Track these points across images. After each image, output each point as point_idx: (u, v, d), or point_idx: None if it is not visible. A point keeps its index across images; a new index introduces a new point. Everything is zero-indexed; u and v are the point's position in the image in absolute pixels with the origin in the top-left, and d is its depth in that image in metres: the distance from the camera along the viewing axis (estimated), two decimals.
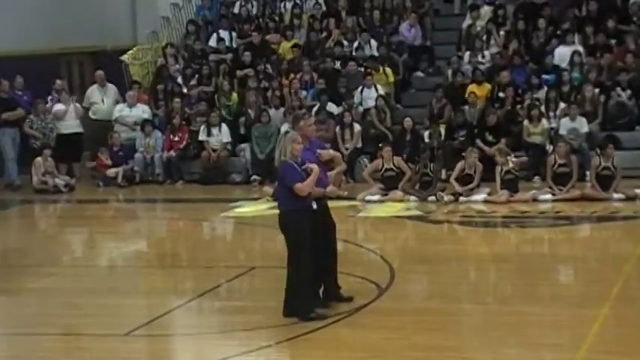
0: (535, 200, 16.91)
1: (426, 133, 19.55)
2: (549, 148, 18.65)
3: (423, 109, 20.64)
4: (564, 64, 20.66)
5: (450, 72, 21.36)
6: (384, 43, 22.44)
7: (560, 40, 21.23)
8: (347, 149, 19.73)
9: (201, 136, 20.70)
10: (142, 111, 21.54)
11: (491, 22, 22.19)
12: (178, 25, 24.92)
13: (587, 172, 17.55)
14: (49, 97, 21.61)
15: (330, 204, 10.76)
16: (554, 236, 14.84)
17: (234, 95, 21.69)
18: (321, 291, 10.56)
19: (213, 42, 23.58)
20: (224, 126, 20.68)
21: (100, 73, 22.12)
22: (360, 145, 20.02)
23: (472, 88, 20.51)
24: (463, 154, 17.81)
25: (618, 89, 19.73)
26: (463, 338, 9.85)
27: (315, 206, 10.17)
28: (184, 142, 20.86)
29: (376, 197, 17.53)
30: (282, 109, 20.86)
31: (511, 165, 17.23)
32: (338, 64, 21.95)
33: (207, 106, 21.37)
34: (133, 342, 9.98)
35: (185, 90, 22.28)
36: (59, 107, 21.16)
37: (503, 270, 12.67)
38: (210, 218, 17.07)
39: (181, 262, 14.32)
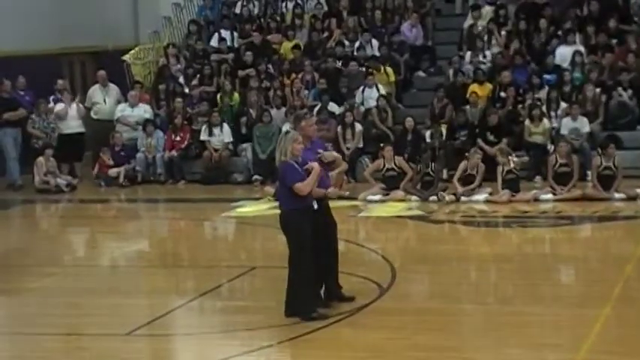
0: (536, 200, 16.91)
1: (428, 133, 19.55)
2: (550, 147, 18.64)
3: (425, 108, 20.64)
4: (566, 64, 20.66)
5: (451, 72, 21.36)
6: (385, 43, 22.44)
7: (561, 40, 21.22)
8: (348, 149, 19.74)
9: (203, 136, 20.70)
10: (144, 111, 21.54)
11: (492, 22, 22.19)
12: (180, 25, 24.93)
13: (589, 172, 17.55)
14: (51, 97, 21.61)
15: (332, 204, 10.77)
16: (555, 236, 14.84)
17: (236, 95, 21.70)
18: (322, 291, 10.57)
19: (214, 42, 23.59)
20: (225, 126, 20.69)
21: (101, 73, 22.12)
22: (361, 144, 20.03)
23: (473, 87, 20.52)
24: (467, 154, 17.80)
25: (619, 89, 19.73)
26: (464, 338, 9.85)
27: (315, 206, 10.18)
28: (186, 142, 20.86)
29: (377, 197, 17.53)
30: (283, 109, 20.86)
31: (512, 165, 17.24)
32: (339, 64, 21.95)
33: (209, 106, 21.39)
34: (134, 342, 9.99)
35: (187, 90, 22.28)
36: (61, 107, 21.17)
37: (504, 270, 12.67)
38: (212, 218, 17.08)
39: (183, 261, 14.33)
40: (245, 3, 24.73)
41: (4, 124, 20.60)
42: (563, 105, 19.58)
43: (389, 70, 21.45)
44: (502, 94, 20.25)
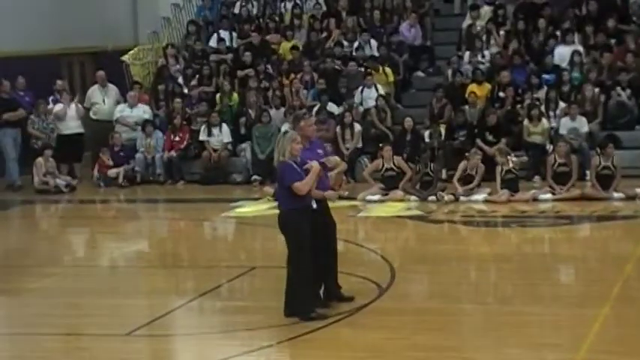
0: (535, 200, 16.92)
1: (427, 133, 19.56)
2: (549, 147, 18.65)
3: (424, 109, 20.65)
4: (564, 64, 20.67)
5: (450, 72, 21.36)
6: (384, 43, 22.45)
7: (560, 40, 21.23)
8: (347, 149, 19.76)
9: (202, 136, 20.71)
10: (143, 111, 21.55)
11: (491, 22, 22.20)
12: (179, 25, 24.93)
13: (588, 172, 17.56)
14: (50, 98, 21.61)
15: (331, 204, 10.77)
16: (554, 236, 14.85)
17: (235, 95, 21.71)
18: (321, 291, 10.57)
19: (213, 42, 23.59)
20: (225, 126, 20.69)
21: (101, 73, 22.12)
22: (360, 145, 20.03)
23: (472, 87, 20.52)
24: (467, 154, 17.80)
25: (618, 89, 19.73)
26: (464, 338, 9.86)
27: (314, 206, 10.18)
28: (185, 143, 20.87)
29: (377, 197, 17.54)
30: (282, 109, 20.87)
31: (511, 165, 17.25)
32: (338, 64, 21.96)
33: (208, 106, 21.39)
34: (134, 342, 10.00)
35: (186, 90, 22.29)
36: (60, 108, 21.18)
37: (503, 270, 12.68)
38: (211, 218, 17.08)
39: (182, 262, 14.34)
40: (244, 3, 24.74)
41: (4, 125, 20.59)
42: (562, 105, 19.59)
43: (387, 70, 21.46)
44: (501, 94, 20.26)
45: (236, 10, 24.76)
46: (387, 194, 17.59)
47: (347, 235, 13.98)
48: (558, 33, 21.45)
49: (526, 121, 19.23)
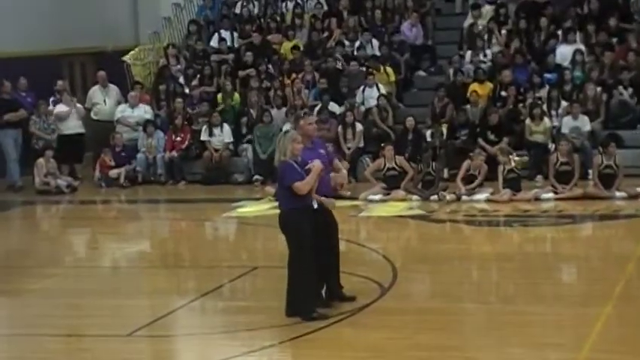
0: (537, 199, 16.89)
1: (428, 133, 19.55)
2: (551, 146, 18.62)
3: (425, 108, 20.63)
4: (566, 63, 20.66)
5: (451, 71, 21.35)
6: (385, 42, 22.44)
7: (562, 39, 21.21)
8: (349, 149, 19.75)
9: (203, 137, 20.69)
10: (144, 111, 21.53)
11: (492, 21, 22.18)
12: (180, 25, 24.92)
13: (590, 171, 17.53)
14: (51, 99, 21.59)
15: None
16: (556, 235, 14.83)
17: (236, 95, 21.69)
18: (323, 291, 10.55)
19: (214, 42, 23.58)
20: (226, 126, 20.67)
21: (101, 73, 22.10)
22: (362, 144, 20.02)
23: (474, 87, 20.51)
24: (470, 154, 17.76)
25: (620, 87, 19.71)
26: (466, 338, 9.84)
27: (315, 205, 10.15)
28: (186, 143, 20.85)
29: (378, 197, 17.52)
30: (284, 109, 20.85)
31: (513, 164, 17.22)
32: (340, 64, 21.94)
33: (209, 106, 21.38)
34: (136, 342, 9.98)
35: (187, 90, 22.27)
36: (61, 108, 21.16)
37: (505, 269, 12.66)
38: (213, 218, 17.06)
39: (184, 262, 14.33)
40: (245, 3, 24.72)
41: (5, 126, 20.59)
42: (564, 104, 19.57)
43: (389, 69, 21.45)
44: (503, 93, 20.24)
45: (237, 10, 24.75)
46: (388, 194, 17.57)
47: (349, 235, 13.97)
48: (560, 32, 21.42)
49: (528, 120, 19.20)
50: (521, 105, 19.96)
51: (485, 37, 21.84)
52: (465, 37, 22.27)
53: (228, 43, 23.38)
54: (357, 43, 22.54)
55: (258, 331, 9.94)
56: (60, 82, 21.99)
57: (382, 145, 18.49)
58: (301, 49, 22.68)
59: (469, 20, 22.49)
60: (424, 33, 22.89)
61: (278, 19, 24.23)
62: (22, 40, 22.08)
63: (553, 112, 19.55)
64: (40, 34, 22.55)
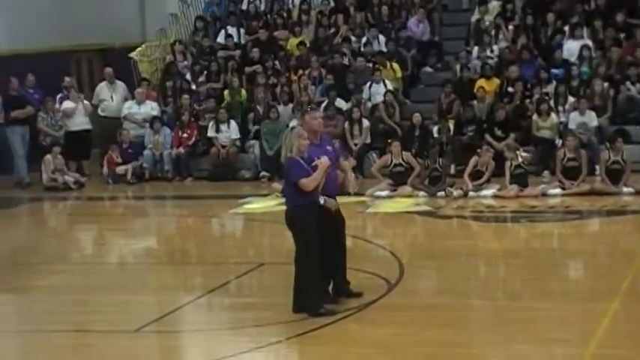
0: (544, 195, 16.87)
1: (435, 129, 19.53)
2: (559, 142, 18.60)
3: (432, 104, 20.62)
4: (573, 59, 20.62)
5: (458, 67, 21.33)
6: (392, 38, 22.43)
7: (569, 35, 21.18)
8: (356, 145, 19.74)
9: (210, 133, 20.69)
10: (151, 108, 21.55)
11: (499, 17, 22.15)
12: (186, 21, 24.95)
13: (597, 167, 17.50)
14: (58, 96, 21.62)
15: (339, 200, 10.75)
16: (563, 231, 14.80)
17: (243, 92, 21.70)
18: (330, 287, 10.56)
19: (221, 38, 23.61)
20: (233, 122, 20.68)
21: (108, 70, 22.14)
22: (368, 140, 20.01)
23: (481, 83, 20.49)
24: (478, 150, 17.73)
25: (628, 83, 19.68)
26: (472, 334, 9.84)
27: (322, 202, 10.14)
28: (193, 139, 20.86)
29: (385, 193, 17.51)
30: (290, 105, 20.85)
31: (520, 160, 17.21)
32: (346, 60, 21.94)
33: (216, 102, 21.39)
34: (143, 338, 10.01)
35: (194, 86, 22.29)
36: (68, 105, 21.20)
37: (512, 265, 12.65)
38: (220, 215, 17.08)
39: (191, 258, 14.34)
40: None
41: (12, 122, 20.63)
42: (571, 99, 19.53)
43: (395, 65, 21.43)
44: (510, 89, 20.22)
45: (244, 7, 24.79)
46: (395, 190, 17.56)
47: (355, 231, 13.95)
48: (567, 27, 21.39)
49: (535, 116, 19.18)
50: (528, 101, 19.94)
51: (492, 32, 21.83)
52: (471, 33, 22.25)
53: (235, 40, 23.40)
54: (364, 39, 22.52)
55: (265, 327, 9.95)
56: (67, 79, 22.03)
57: (389, 141, 18.49)
58: (308, 45, 22.68)
59: (476, 16, 22.47)
60: (431, 29, 22.87)
61: (284, 15, 24.23)
62: (30, 36, 22.13)
63: (560, 108, 19.52)
64: (47, 31, 22.59)
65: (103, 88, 22.02)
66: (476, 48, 21.67)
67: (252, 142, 20.59)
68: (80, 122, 21.22)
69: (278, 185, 17.69)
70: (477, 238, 14.53)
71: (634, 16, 21.41)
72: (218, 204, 18.04)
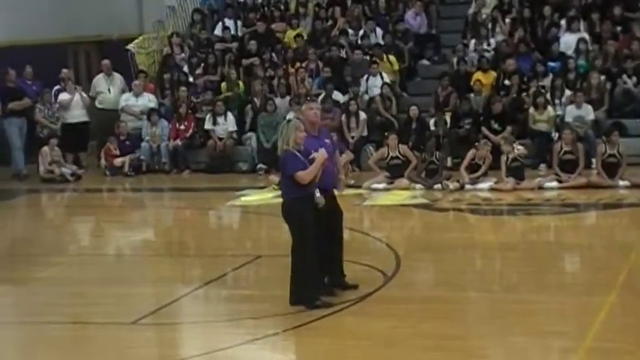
0: (541, 188, 16.89)
1: (432, 121, 19.54)
2: (555, 135, 18.62)
3: (429, 97, 20.64)
4: (570, 52, 20.63)
5: (455, 60, 21.34)
6: (389, 31, 22.43)
7: (565, 28, 21.19)
8: (353, 137, 19.75)
9: (207, 125, 20.69)
10: (148, 100, 21.55)
11: (496, 10, 22.16)
12: (184, 14, 24.94)
13: (593, 160, 17.53)
14: (55, 88, 21.61)
15: (337, 192, 10.77)
16: (560, 224, 14.82)
17: (240, 84, 21.70)
18: (326, 279, 10.57)
19: (218, 31, 23.60)
20: (230, 115, 20.69)
21: (106, 62, 22.14)
22: (365, 133, 20.02)
23: (478, 76, 20.50)
24: (476, 144, 17.74)
25: (624, 76, 19.69)
26: (469, 326, 9.86)
27: (317, 194, 10.13)
28: (190, 131, 20.86)
29: (382, 185, 17.53)
30: (287, 98, 20.85)
31: (516, 152, 17.23)
32: (344, 53, 21.94)
33: (213, 95, 21.39)
34: (140, 330, 10.02)
35: (191, 79, 22.29)
36: (65, 97, 21.20)
37: (509, 258, 12.67)
38: (217, 207, 17.09)
39: (188, 250, 14.35)
40: None
41: (9, 114, 20.63)
42: (568, 93, 19.54)
43: (392, 58, 21.43)
44: (506, 82, 20.24)
45: None
46: (392, 183, 17.58)
47: (352, 224, 13.95)
48: (564, 21, 21.39)
49: (532, 109, 19.20)
50: (524, 94, 19.96)
51: (489, 25, 21.84)
52: (469, 26, 22.26)
53: (232, 32, 23.39)
54: (361, 32, 22.52)
55: (262, 320, 9.97)
56: (65, 71, 22.02)
57: (386, 134, 18.49)
58: (305, 37, 22.68)
59: (473, 9, 22.48)
60: (428, 22, 22.88)
61: (282, 7, 24.24)
62: (27, 28, 22.12)
63: (557, 101, 19.54)
64: (45, 23, 22.59)
65: (100, 80, 22.01)
66: (473, 41, 21.68)
67: (250, 134, 20.60)
68: (77, 114, 21.22)
69: (275, 177, 17.69)
70: (474, 231, 14.54)
71: (631, 9, 21.42)
72: (215, 196, 18.04)
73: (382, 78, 20.74)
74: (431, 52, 22.46)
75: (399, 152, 17.81)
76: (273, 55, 22.42)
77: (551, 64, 20.54)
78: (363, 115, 20.00)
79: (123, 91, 21.82)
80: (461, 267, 12.08)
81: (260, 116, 20.47)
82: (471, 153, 17.56)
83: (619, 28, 20.97)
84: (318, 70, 21.51)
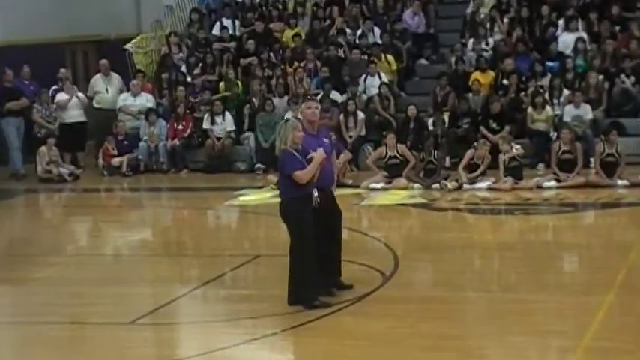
0: (539, 187, 16.90)
1: (430, 121, 19.53)
2: (553, 135, 18.63)
3: (427, 96, 20.63)
4: (568, 51, 20.64)
5: (453, 59, 21.34)
6: (387, 30, 22.43)
7: (564, 27, 21.19)
8: (351, 137, 19.75)
9: (205, 125, 20.69)
10: (146, 100, 21.54)
11: (494, 10, 22.17)
12: (182, 13, 24.94)
13: (592, 159, 17.53)
14: (52, 88, 21.60)
15: (335, 192, 10.76)
16: (558, 223, 14.82)
17: (239, 84, 21.69)
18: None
19: (216, 30, 23.60)
20: (228, 114, 20.68)
21: (104, 62, 22.12)
22: (363, 133, 20.01)
23: (476, 75, 20.51)
24: (475, 144, 17.73)
25: (622, 76, 19.70)
26: (468, 326, 9.85)
27: (315, 194, 10.12)
28: (188, 131, 20.85)
29: (380, 185, 17.53)
30: (286, 98, 20.84)
31: (515, 152, 17.22)
32: (342, 52, 21.93)
33: (211, 94, 21.38)
34: (138, 330, 10.01)
35: (189, 79, 22.29)
36: (62, 97, 21.18)
37: (507, 258, 12.66)
38: (215, 207, 17.08)
39: (186, 250, 14.34)
40: None
41: (7, 114, 20.61)
42: (566, 92, 19.55)
43: (390, 58, 21.43)
44: (504, 81, 20.24)
45: None
46: (390, 182, 17.58)
47: (351, 223, 13.93)
48: (562, 20, 21.40)
49: (530, 109, 19.20)
50: (523, 93, 19.96)
51: (488, 25, 21.84)
52: (467, 26, 22.26)
53: (230, 32, 23.39)
54: (359, 32, 22.53)
55: (260, 319, 9.96)
56: (62, 70, 22.01)
57: (384, 133, 18.48)
58: (303, 37, 22.67)
59: (471, 8, 22.48)
60: (426, 21, 22.89)
61: (280, 7, 24.24)
62: (25, 28, 22.11)
63: (555, 101, 19.54)
64: (43, 22, 22.58)
65: (98, 80, 21.99)
66: (471, 40, 21.69)
67: (248, 134, 20.60)
68: (75, 114, 21.20)
69: (273, 177, 17.68)
70: (472, 231, 14.53)
71: (629, 9, 21.44)
72: (213, 196, 18.03)
73: (380, 77, 20.74)
74: (429, 51, 22.46)
75: (398, 152, 17.80)
76: (271, 54, 22.42)
77: (550, 63, 20.55)
78: (361, 115, 20.00)
79: (121, 91, 21.81)
80: (459, 267, 12.07)
81: (258, 116, 20.46)
82: (469, 153, 17.56)
83: (617, 28, 20.99)
84: (316, 69, 21.51)
